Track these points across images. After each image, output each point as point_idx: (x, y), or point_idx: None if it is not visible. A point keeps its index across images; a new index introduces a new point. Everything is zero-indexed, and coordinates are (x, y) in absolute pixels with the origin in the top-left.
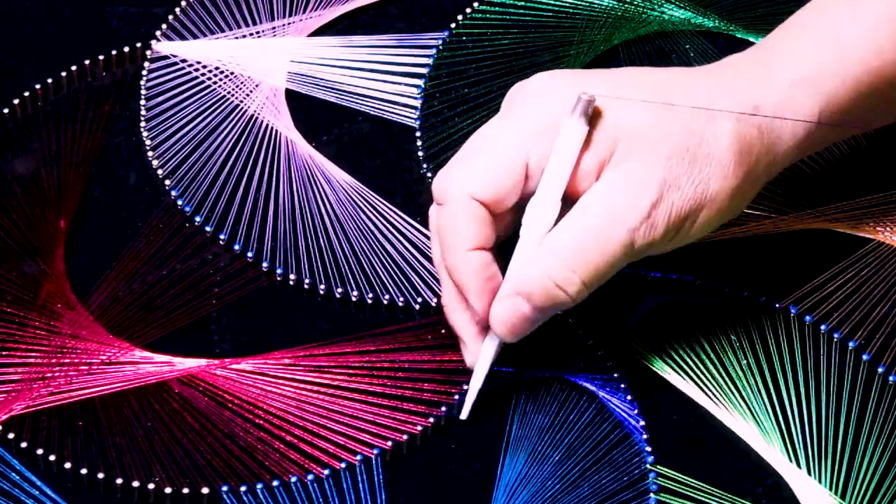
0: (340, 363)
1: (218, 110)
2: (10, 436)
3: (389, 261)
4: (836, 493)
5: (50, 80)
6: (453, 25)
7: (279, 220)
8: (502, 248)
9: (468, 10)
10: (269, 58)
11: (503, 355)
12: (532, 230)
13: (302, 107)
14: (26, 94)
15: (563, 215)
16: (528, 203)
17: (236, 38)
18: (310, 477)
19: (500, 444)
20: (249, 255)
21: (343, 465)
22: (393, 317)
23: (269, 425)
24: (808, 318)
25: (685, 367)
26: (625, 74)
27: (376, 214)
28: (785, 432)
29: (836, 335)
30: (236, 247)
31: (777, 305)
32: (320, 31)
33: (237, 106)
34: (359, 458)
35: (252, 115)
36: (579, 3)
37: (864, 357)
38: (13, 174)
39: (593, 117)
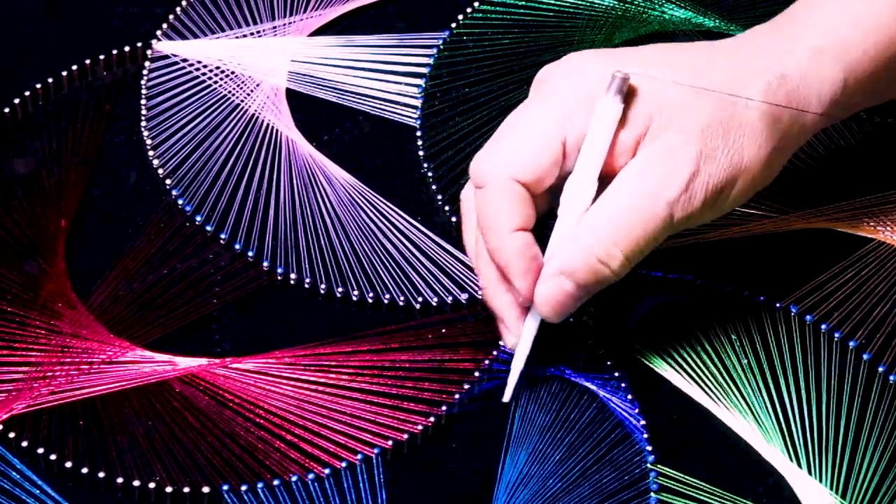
0: (341, 362)
1: (218, 110)
2: (11, 435)
3: (390, 261)
4: (836, 493)
5: (50, 80)
6: (454, 25)
7: (280, 219)
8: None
9: (469, 10)
10: (270, 57)
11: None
12: (570, 209)
13: (302, 106)
14: (26, 93)
15: (598, 195)
16: (563, 183)
17: (237, 37)
18: (310, 476)
19: (501, 444)
20: (250, 254)
21: (344, 464)
22: (393, 317)
23: (270, 424)
24: (808, 317)
25: (686, 366)
26: (651, 52)
27: (376, 214)
28: (785, 432)
29: (836, 335)
30: (237, 246)
31: (777, 305)
32: (321, 31)
33: (238, 105)
34: (359, 457)
35: (253, 115)
36: (580, 2)
37: (865, 356)
38: (14, 174)
39: (627, 95)
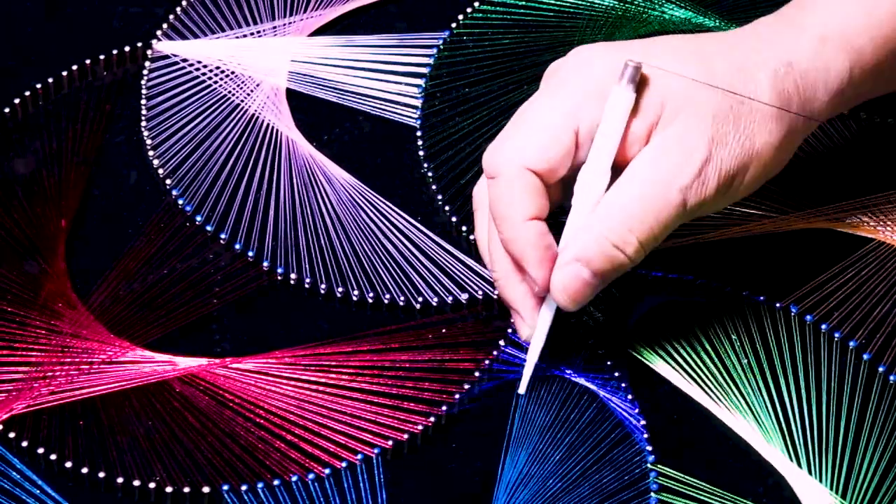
0: (341, 362)
1: (219, 110)
2: (11, 435)
3: (390, 261)
4: (836, 493)
5: (50, 80)
6: (454, 25)
7: (280, 219)
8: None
9: (469, 10)
10: (270, 57)
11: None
12: (584, 198)
13: (303, 106)
14: (27, 93)
15: (611, 184)
16: (576, 175)
17: (237, 37)
18: (311, 476)
19: (501, 444)
20: (250, 254)
21: (344, 464)
22: (393, 317)
23: (270, 424)
24: (808, 317)
25: (686, 366)
26: (659, 42)
27: (377, 214)
28: (786, 432)
29: (836, 335)
30: (237, 246)
31: (777, 305)
32: (321, 31)
33: (238, 105)
34: (360, 457)
35: (253, 115)
36: (580, 2)
37: (865, 356)
38: (14, 174)
39: (639, 84)
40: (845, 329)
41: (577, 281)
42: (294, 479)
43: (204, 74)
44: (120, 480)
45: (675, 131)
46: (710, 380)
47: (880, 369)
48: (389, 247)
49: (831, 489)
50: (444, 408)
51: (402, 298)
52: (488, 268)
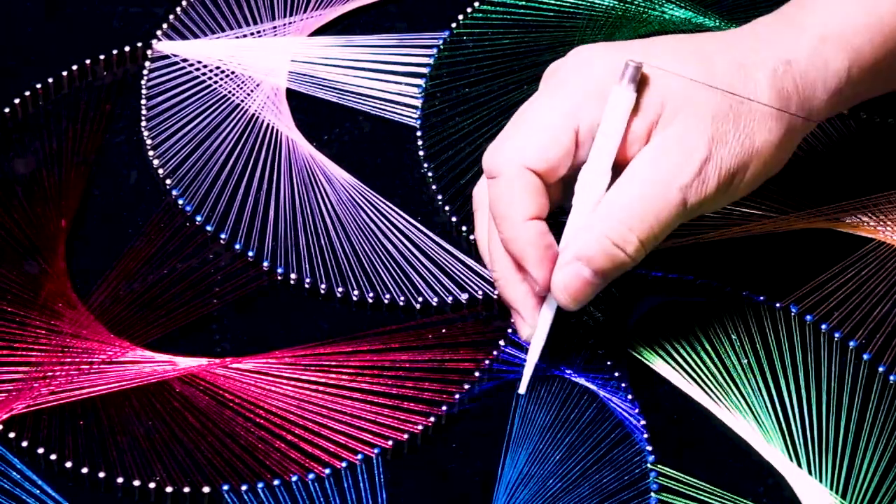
0: (341, 362)
1: (219, 110)
2: (11, 435)
3: (390, 261)
4: (836, 493)
5: (50, 80)
6: (454, 25)
7: (280, 219)
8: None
9: (469, 10)
10: (270, 57)
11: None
12: (585, 198)
13: (303, 106)
14: (27, 93)
15: (612, 183)
16: (576, 175)
17: (237, 37)
18: (311, 476)
19: (501, 444)
20: (250, 254)
21: (344, 464)
22: (393, 317)
23: (270, 424)
24: (808, 317)
25: (686, 366)
26: (659, 42)
27: (377, 214)
28: (786, 432)
29: (836, 335)
30: (237, 246)
31: (777, 305)
32: (321, 31)
33: (238, 105)
34: (360, 457)
35: (253, 115)
36: (580, 2)
37: (865, 356)
38: (14, 174)
39: (639, 83)
40: (845, 329)
41: (578, 280)
42: (294, 479)
43: (204, 74)
44: (120, 480)
45: (675, 131)
46: (710, 380)
47: (880, 369)
48: (389, 247)
49: (831, 489)
50: (444, 408)
51: (402, 298)
52: (488, 267)
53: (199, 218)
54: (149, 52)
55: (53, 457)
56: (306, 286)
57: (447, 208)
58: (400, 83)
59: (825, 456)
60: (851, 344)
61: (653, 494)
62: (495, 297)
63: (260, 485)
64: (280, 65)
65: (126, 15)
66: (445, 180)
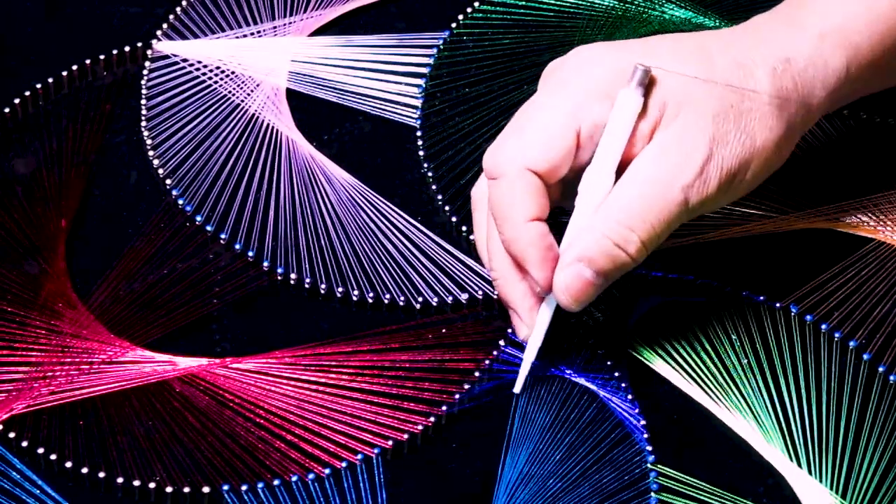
0: (341, 362)
1: (219, 110)
2: (11, 435)
3: (390, 261)
4: (836, 493)
5: (51, 80)
6: (454, 25)
7: (280, 219)
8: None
9: (469, 10)
10: (270, 57)
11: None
12: (588, 199)
13: (303, 106)
14: (27, 93)
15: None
16: (576, 174)
17: (237, 37)
18: (311, 476)
19: (501, 444)
20: (250, 254)
21: (344, 464)
22: (393, 317)
23: (270, 424)
24: (808, 317)
25: (686, 366)
26: (659, 41)
27: (377, 214)
28: (786, 432)
29: (836, 335)
30: (237, 246)
31: (777, 305)
32: (321, 31)
33: (238, 105)
34: (360, 457)
35: (253, 115)
36: (580, 2)
37: (865, 356)
38: (14, 174)
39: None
40: (845, 329)
41: (579, 281)
42: (294, 479)
43: (204, 74)
44: (120, 480)
45: (676, 130)
46: (710, 380)
47: (880, 369)
48: (389, 247)
49: (831, 489)
50: (444, 408)
51: (402, 298)
52: (486, 267)
53: (199, 218)
54: (149, 52)
55: (53, 457)
56: (306, 286)
57: (447, 208)
58: (400, 83)
59: (825, 456)
60: (851, 344)
61: (653, 494)
62: (495, 297)
63: (260, 485)
64: (280, 65)
65: (126, 15)
66: (445, 180)
